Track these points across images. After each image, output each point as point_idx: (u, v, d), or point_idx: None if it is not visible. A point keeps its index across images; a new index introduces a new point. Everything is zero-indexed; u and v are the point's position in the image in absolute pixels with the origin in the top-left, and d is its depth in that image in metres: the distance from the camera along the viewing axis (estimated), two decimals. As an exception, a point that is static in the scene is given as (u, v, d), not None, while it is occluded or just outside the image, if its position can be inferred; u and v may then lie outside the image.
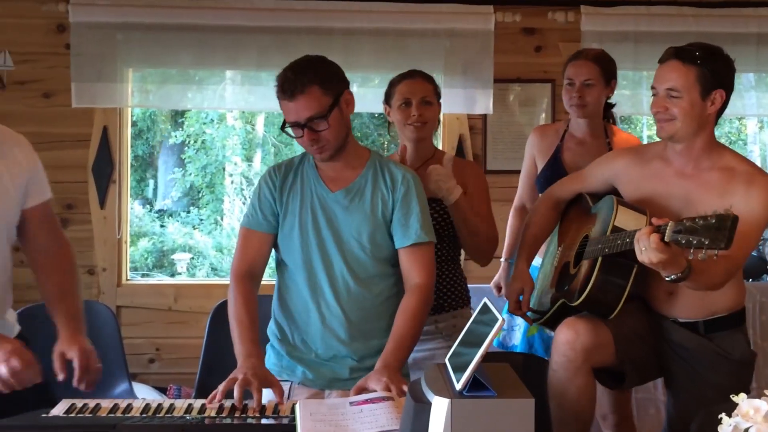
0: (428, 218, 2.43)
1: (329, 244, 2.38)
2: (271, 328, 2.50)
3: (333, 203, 2.39)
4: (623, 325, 2.39)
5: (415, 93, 2.79)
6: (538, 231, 2.75)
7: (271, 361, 2.46)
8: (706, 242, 1.94)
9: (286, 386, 2.31)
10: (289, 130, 2.32)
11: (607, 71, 3.15)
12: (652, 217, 2.13)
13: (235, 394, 2.09)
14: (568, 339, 2.31)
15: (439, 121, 2.93)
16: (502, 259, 3.51)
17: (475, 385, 1.60)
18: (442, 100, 2.90)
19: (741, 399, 1.51)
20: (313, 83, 2.25)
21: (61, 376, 2.15)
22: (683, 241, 1.98)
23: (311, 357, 2.40)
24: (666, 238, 2.03)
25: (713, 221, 1.94)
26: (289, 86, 2.25)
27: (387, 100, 2.88)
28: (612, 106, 3.31)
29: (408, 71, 2.89)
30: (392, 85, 2.87)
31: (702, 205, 2.28)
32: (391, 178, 2.40)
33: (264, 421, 1.98)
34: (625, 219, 2.34)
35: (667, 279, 2.12)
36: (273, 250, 2.48)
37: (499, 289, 3.48)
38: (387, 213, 2.38)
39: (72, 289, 2.37)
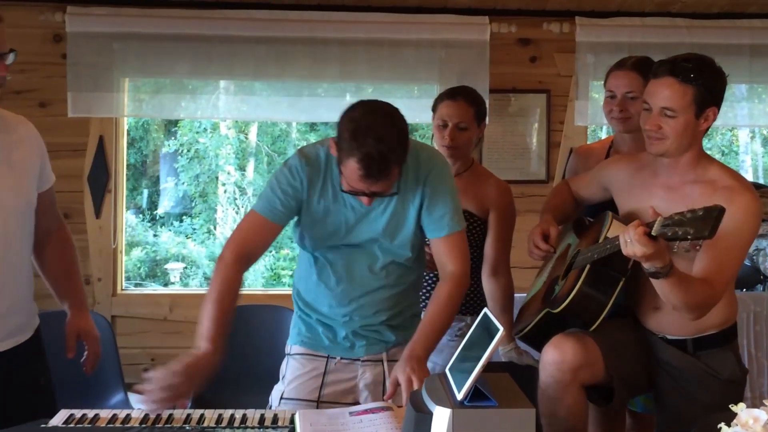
0: (458, 205, 2.33)
1: (366, 243, 2.32)
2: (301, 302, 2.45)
3: (368, 210, 2.29)
4: (612, 340, 2.35)
5: (452, 117, 2.80)
6: (560, 202, 2.67)
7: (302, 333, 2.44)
8: (691, 231, 1.93)
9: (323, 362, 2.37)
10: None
11: None
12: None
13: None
14: (555, 360, 2.26)
15: (480, 138, 2.98)
16: None
17: (476, 395, 1.60)
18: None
19: (740, 409, 1.52)
20: (394, 165, 2.11)
21: (71, 355, 2.41)
22: (669, 233, 1.95)
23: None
24: (654, 232, 2.01)
25: (701, 213, 1.93)
26: (375, 172, 2.07)
27: (433, 111, 2.89)
28: None
29: (454, 90, 2.88)
30: (438, 100, 2.88)
31: None
32: (417, 175, 2.29)
33: (263, 431, 1.98)
34: (618, 232, 2.27)
35: (648, 271, 2.07)
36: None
37: None
38: (418, 209, 2.29)
39: (77, 269, 2.57)
